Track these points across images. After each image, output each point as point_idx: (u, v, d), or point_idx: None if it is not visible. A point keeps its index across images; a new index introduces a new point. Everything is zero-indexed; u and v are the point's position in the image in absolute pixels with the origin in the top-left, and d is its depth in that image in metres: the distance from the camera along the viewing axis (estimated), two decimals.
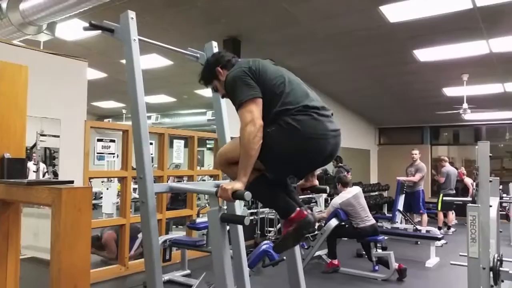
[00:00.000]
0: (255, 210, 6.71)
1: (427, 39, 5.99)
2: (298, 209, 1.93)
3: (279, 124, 1.85)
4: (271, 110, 1.87)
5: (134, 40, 2.06)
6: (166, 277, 4.53)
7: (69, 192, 1.61)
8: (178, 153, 5.95)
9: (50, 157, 4.92)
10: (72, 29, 6.22)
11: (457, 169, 8.84)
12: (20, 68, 2.03)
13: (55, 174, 4.48)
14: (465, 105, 7.82)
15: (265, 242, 4.08)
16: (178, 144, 5.94)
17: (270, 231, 6.70)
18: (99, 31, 2.14)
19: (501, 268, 3.31)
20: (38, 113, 4.01)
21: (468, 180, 8.94)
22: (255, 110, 1.83)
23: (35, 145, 4.78)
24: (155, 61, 7.49)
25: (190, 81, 8.83)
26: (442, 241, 6.12)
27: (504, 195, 6.96)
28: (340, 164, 8.26)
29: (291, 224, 1.91)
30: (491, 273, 3.08)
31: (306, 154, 1.88)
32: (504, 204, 7.29)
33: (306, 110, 1.87)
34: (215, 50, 2.51)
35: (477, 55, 6.36)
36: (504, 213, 7.39)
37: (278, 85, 1.92)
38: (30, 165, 4.87)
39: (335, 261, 5.13)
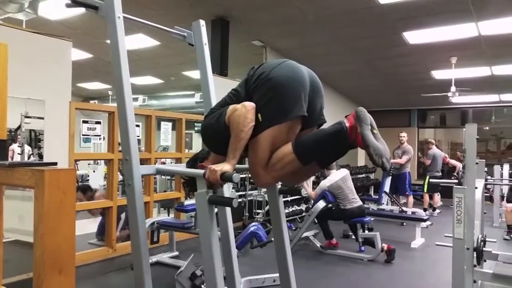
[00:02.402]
0: (244, 193, 6.73)
1: (417, 21, 5.96)
2: (345, 119, 1.80)
3: (252, 90, 1.87)
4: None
5: (119, 17, 1.99)
6: (154, 258, 4.54)
7: (52, 174, 1.58)
8: (166, 135, 5.89)
9: (35, 139, 4.85)
10: (56, 8, 6.06)
11: (442, 151, 8.94)
12: None
13: (40, 156, 4.42)
14: (453, 88, 7.86)
15: (253, 223, 4.09)
16: (166, 126, 5.88)
17: (258, 213, 6.73)
18: (82, 9, 2.07)
19: (484, 249, 3.38)
20: (21, 94, 3.93)
21: (453, 162, 9.04)
22: (238, 104, 1.83)
23: (19, 127, 4.69)
24: (142, 41, 7.36)
25: (178, 62, 8.83)
26: (427, 223, 6.22)
27: (489, 177, 7.08)
28: None
29: (356, 128, 1.72)
30: (474, 253, 3.15)
31: (287, 76, 1.81)
32: (488, 186, 7.42)
33: (256, 67, 1.94)
34: (203, 29, 2.46)
35: (466, 37, 6.36)
36: (488, 195, 7.52)
37: (230, 93, 1.99)
38: (15, 147, 4.79)
39: (333, 241, 5.22)
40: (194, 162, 2.07)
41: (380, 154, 1.68)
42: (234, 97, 1.94)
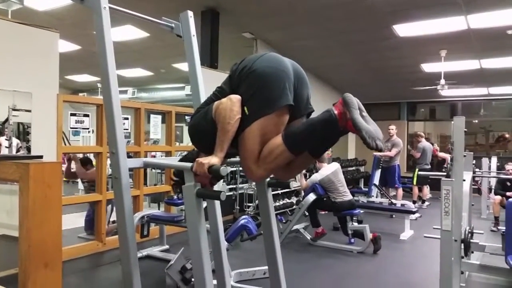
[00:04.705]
0: (234, 186, 6.72)
1: (407, 13, 5.97)
2: (332, 106, 1.78)
3: (237, 84, 1.85)
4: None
5: (105, 8, 1.96)
6: (145, 252, 4.53)
7: (37, 167, 1.55)
8: (156, 128, 5.85)
9: (23, 132, 4.78)
10: None
11: (432, 144, 9.00)
12: None
13: (29, 150, 4.36)
14: (442, 81, 7.91)
15: (244, 217, 4.09)
16: (155, 119, 5.83)
17: (249, 207, 6.74)
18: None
19: (471, 240, 3.43)
20: (7, 86, 3.87)
21: (443, 154, 9.10)
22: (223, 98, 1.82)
23: (7, 120, 4.62)
24: (130, 32, 7.27)
25: (168, 55, 8.76)
26: (417, 215, 6.27)
27: (477, 169, 7.15)
28: None
29: (345, 114, 1.72)
30: (462, 245, 3.18)
31: (270, 68, 1.80)
32: (476, 179, 7.50)
33: (238, 62, 1.91)
34: (191, 20, 2.43)
35: (455, 31, 6.39)
36: (476, 187, 7.61)
37: (215, 90, 1.98)
38: (2, 140, 4.72)
39: (319, 229, 5.23)
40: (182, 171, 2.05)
41: (373, 137, 1.68)
42: (220, 94, 1.92)
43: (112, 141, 1.94)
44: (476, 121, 11.43)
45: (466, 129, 3.00)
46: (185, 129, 11.81)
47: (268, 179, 2.29)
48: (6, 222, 3.78)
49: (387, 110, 11.88)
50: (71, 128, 4.81)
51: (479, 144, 11.53)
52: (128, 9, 2.27)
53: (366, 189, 7.92)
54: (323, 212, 6.27)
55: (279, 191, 6.97)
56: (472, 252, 3.71)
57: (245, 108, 1.77)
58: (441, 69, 7.87)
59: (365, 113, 1.76)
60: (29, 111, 4.15)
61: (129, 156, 2.17)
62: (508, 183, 6.49)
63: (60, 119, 4.31)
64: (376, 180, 7.57)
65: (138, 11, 2.35)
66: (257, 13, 6.48)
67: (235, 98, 1.78)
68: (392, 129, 7.86)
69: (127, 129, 6.04)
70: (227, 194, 4.01)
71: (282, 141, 1.77)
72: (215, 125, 1.80)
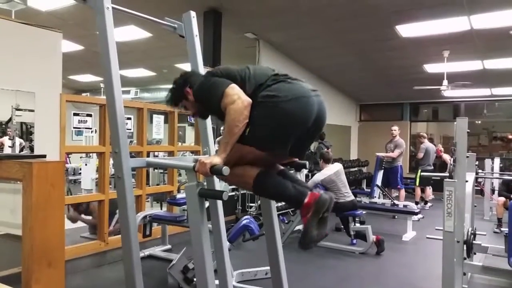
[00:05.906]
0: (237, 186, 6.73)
1: (410, 14, 5.96)
2: (309, 192, 1.88)
3: (258, 102, 1.85)
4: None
5: (108, 8, 1.97)
6: (147, 252, 4.53)
7: (40, 166, 1.56)
8: (158, 128, 5.86)
9: (27, 132, 4.81)
10: None
11: (435, 145, 8.98)
12: None
13: (32, 149, 4.37)
14: (445, 82, 7.89)
15: (246, 217, 4.09)
16: (158, 119, 5.84)
17: (251, 207, 6.74)
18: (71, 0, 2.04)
19: (474, 241, 3.42)
20: (10, 86, 3.88)
21: (446, 157, 9.09)
22: (238, 91, 1.83)
23: (10, 119, 4.64)
24: (133, 33, 7.29)
25: (170, 55, 8.78)
26: (419, 216, 6.26)
27: (480, 170, 7.14)
28: (320, 141, 8.30)
29: (308, 211, 1.84)
30: (464, 246, 3.18)
31: (294, 116, 1.82)
32: (479, 180, 7.48)
33: (277, 79, 1.91)
34: (194, 20, 2.43)
35: (458, 31, 6.37)
36: (479, 188, 7.58)
37: (243, 71, 1.97)
38: (6, 140, 4.74)
39: None
40: (183, 85, 2.13)
41: (306, 244, 1.89)
42: (243, 76, 1.93)
43: (115, 141, 1.95)
44: (479, 122, 11.39)
45: (469, 130, 3.00)
46: (188, 129, 11.84)
47: None
48: (10, 221, 3.80)
49: (390, 111, 11.86)
50: (74, 128, 4.82)
51: (482, 145, 11.49)
52: (131, 10, 2.28)
53: (369, 190, 7.91)
54: None
55: None
56: (475, 254, 3.70)
57: (247, 129, 1.82)
58: (444, 70, 7.86)
59: (327, 214, 1.89)
60: (32, 110, 4.16)
61: (131, 156, 2.17)
62: None
63: (63, 119, 4.32)
64: (379, 181, 7.56)
65: (141, 11, 2.36)
66: (260, 14, 6.48)
67: (248, 102, 1.80)
68: (395, 130, 7.85)
69: (130, 129, 6.06)
70: (230, 194, 4.04)
71: (253, 180, 1.88)
72: (218, 105, 1.83)
